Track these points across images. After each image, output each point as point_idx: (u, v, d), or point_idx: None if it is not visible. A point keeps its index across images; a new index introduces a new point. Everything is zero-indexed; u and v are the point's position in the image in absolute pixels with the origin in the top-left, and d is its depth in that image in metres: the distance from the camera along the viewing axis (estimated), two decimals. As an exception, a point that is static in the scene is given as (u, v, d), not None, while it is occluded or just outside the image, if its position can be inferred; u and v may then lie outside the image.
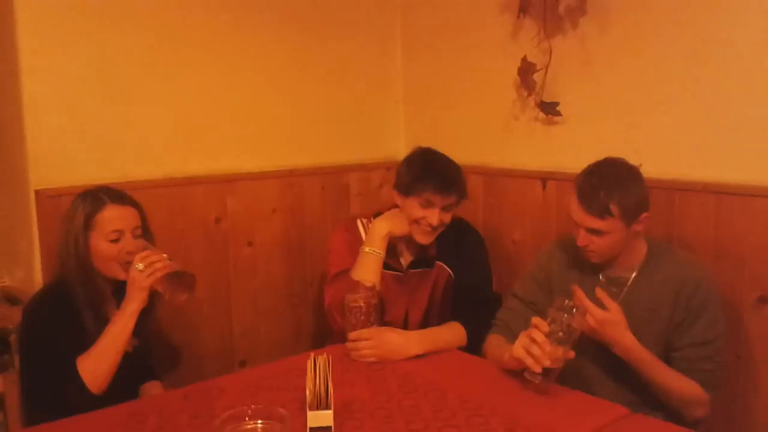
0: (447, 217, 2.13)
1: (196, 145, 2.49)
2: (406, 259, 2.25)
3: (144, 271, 1.78)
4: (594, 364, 1.86)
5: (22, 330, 1.88)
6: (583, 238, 1.81)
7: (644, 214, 1.79)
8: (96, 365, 1.76)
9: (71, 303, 1.84)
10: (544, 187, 2.47)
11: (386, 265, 2.22)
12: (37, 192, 2.16)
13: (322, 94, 2.82)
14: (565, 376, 1.69)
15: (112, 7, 2.25)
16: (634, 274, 1.86)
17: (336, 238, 2.28)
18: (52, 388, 1.75)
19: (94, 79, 2.23)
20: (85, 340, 1.79)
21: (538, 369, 1.61)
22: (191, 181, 2.46)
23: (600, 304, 1.73)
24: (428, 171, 2.11)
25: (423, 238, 2.15)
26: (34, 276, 2.19)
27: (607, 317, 1.72)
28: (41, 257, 2.18)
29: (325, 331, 2.23)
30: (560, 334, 1.63)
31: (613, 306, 1.74)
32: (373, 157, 2.97)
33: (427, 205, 2.09)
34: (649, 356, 1.76)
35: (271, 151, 2.70)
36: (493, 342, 1.96)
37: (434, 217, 2.09)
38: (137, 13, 2.30)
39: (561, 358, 1.62)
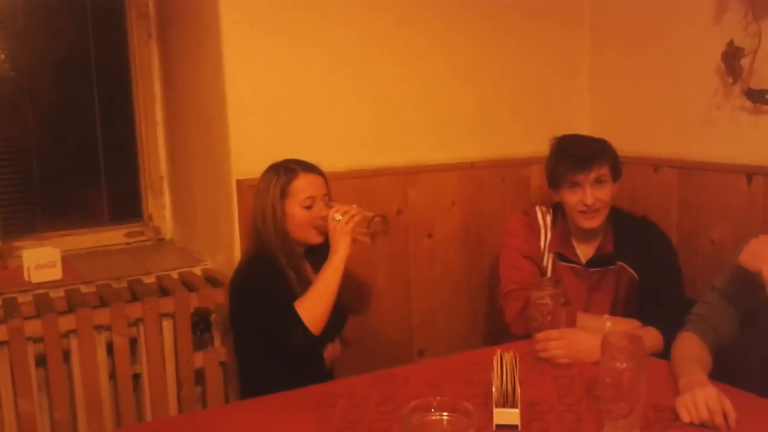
0: (602, 193, 2.04)
1: (381, 137, 2.56)
2: (584, 254, 2.17)
3: (343, 219, 1.93)
4: None
5: (239, 293, 2.05)
6: None
7: None
8: (313, 307, 1.91)
9: (275, 266, 2.00)
10: (749, 182, 2.26)
11: (563, 257, 2.16)
12: (238, 182, 2.33)
13: (504, 86, 2.78)
14: None
15: (307, 11, 2.36)
16: None
17: (514, 220, 2.27)
18: (281, 332, 1.92)
19: (289, 79, 2.37)
20: (293, 296, 1.94)
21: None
22: (376, 173, 2.53)
23: None
24: (561, 153, 2.10)
25: (588, 223, 2.08)
26: (234, 259, 2.36)
27: None
28: (240, 242, 2.35)
29: (501, 326, 2.21)
30: None
31: None
32: (555, 149, 2.88)
33: (574, 186, 2.04)
34: None
35: (452, 143, 2.71)
36: (684, 343, 1.76)
37: (586, 195, 2.03)
38: (330, 16, 2.40)
39: None
